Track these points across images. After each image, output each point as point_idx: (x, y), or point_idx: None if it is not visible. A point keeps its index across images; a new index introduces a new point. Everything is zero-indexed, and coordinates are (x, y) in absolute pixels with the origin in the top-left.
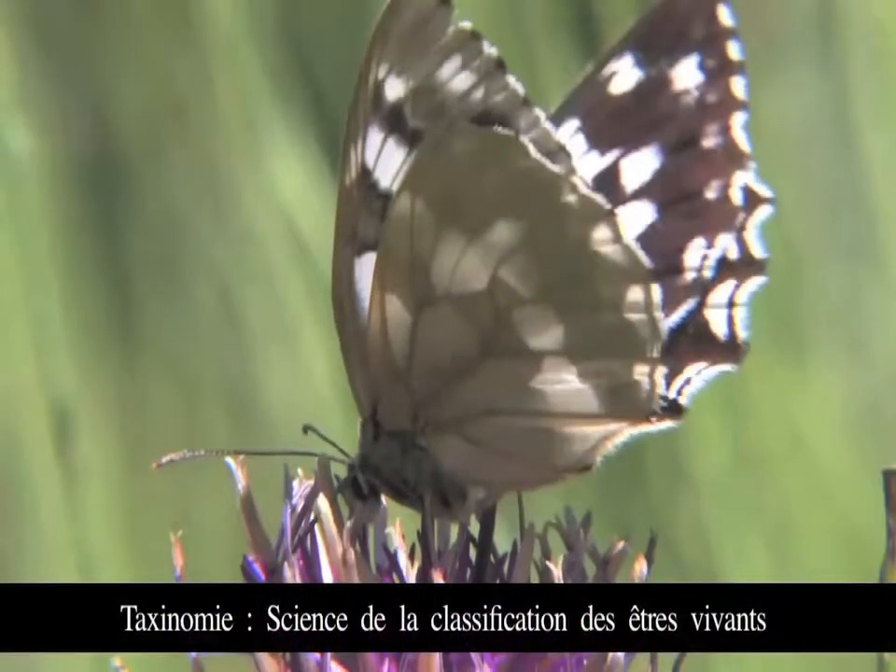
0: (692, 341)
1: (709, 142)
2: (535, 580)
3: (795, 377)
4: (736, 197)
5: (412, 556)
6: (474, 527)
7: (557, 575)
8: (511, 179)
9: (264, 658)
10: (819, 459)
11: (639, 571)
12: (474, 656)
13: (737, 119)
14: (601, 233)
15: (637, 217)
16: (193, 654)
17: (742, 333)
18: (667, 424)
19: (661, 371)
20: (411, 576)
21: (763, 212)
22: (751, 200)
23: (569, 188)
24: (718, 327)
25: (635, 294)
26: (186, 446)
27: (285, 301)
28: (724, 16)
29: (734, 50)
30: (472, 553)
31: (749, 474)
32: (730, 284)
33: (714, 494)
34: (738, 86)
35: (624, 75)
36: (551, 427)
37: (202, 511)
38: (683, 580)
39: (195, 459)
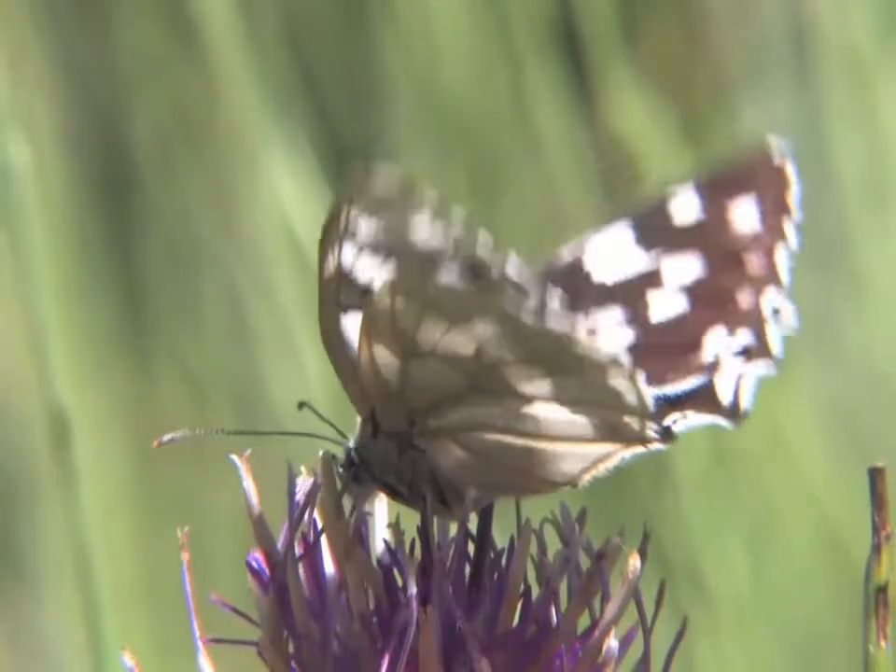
0: (696, 398)
1: (752, 260)
2: (531, 574)
3: (775, 379)
4: (766, 306)
5: (412, 551)
6: (472, 522)
7: (553, 569)
8: (488, 310)
9: (268, 649)
10: (799, 458)
11: (633, 566)
12: (472, 648)
13: (781, 248)
14: (581, 343)
15: (668, 305)
16: (199, 645)
17: (745, 404)
18: (657, 446)
19: (650, 424)
20: (411, 570)
21: (787, 325)
22: (778, 312)
23: (545, 325)
24: (723, 394)
25: (619, 383)
26: (192, 444)
27: (286, 305)
28: (790, 174)
29: (792, 202)
30: (470, 548)
31: (730, 473)
32: (741, 362)
33: (696, 492)
34: (788, 224)
35: (683, 202)
36: (542, 446)
37: (208, 507)
38: (666, 576)
39: (196, 438)
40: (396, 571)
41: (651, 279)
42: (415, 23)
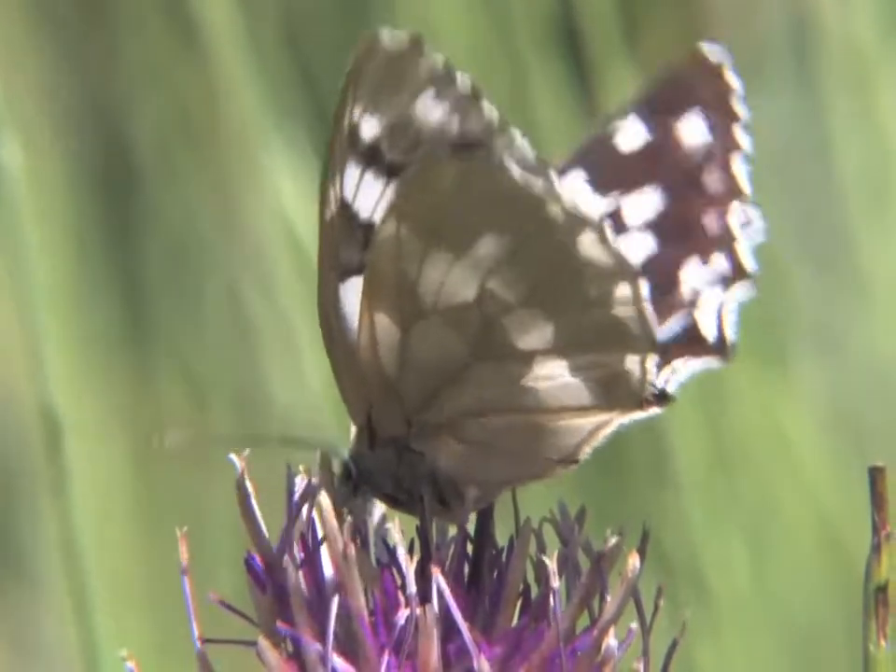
0: (682, 342)
1: (710, 178)
2: (530, 573)
3: (776, 379)
4: (733, 221)
5: (411, 551)
6: (471, 522)
7: (552, 569)
8: (495, 199)
9: (266, 649)
10: (800, 458)
11: (632, 565)
12: (471, 647)
13: (737, 159)
14: (587, 239)
15: (637, 247)
16: (198, 645)
17: (730, 335)
18: (654, 410)
19: (652, 358)
20: (410, 570)
21: (756, 234)
22: (746, 225)
23: (553, 200)
24: (707, 329)
25: (622, 290)
26: (192, 444)
27: (286, 306)
28: (730, 78)
29: (738, 106)
30: (469, 547)
31: (731, 473)
32: (720, 291)
33: (697, 492)
34: (740, 133)
35: (629, 131)
36: (542, 421)
37: (206, 507)
38: (667, 576)
39: (201, 442)
40: (395, 571)
41: (615, 223)
42: (416, 23)
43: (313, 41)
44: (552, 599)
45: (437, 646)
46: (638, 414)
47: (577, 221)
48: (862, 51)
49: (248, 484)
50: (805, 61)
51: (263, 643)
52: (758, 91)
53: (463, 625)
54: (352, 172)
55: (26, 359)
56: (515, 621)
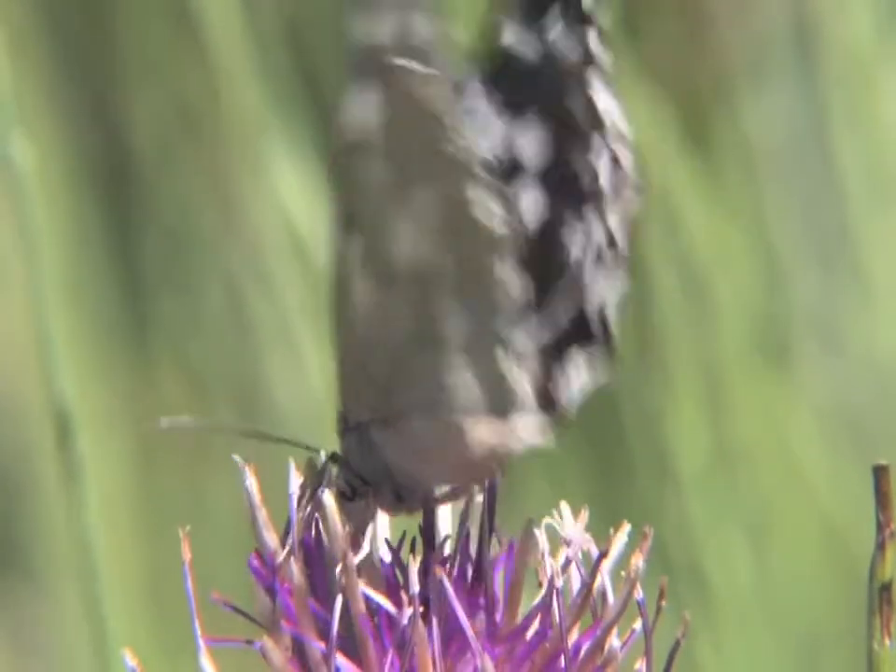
0: (571, 335)
1: (571, 103)
2: (533, 573)
3: (777, 378)
4: (604, 169)
5: (413, 550)
6: (473, 522)
7: (555, 569)
8: (414, 121)
9: (270, 649)
10: (800, 457)
11: (635, 566)
12: (474, 646)
13: (592, 74)
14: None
15: (532, 203)
16: (202, 645)
17: (614, 332)
18: (550, 438)
19: (530, 370)
20: (413, 569)
21: (632, 202)
22: (616, 175)
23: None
24: (594, 325)
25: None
26: (195, 443)
27: (287, 303)
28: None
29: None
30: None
31: (731, 472)
32: (603, 284)
33: (697, 491)
34: (593, 38)
35: (510, 34)
36: (455, 422)
37: (210, 505)
38: (668, 575)
39: (198, 429)
40: (398, 571)
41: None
42: None
43: (313, 40)
44: (554, 599)
45: (439, 646)
46: (535, 435)
47: (467, 163)
48: (862, 51)
49: (254, 486)
50: (805, 60)
51: (267, 643)
52: (758, 91)
53: (466, 625)
54: None
55: (35, 355)
56: (518, 621)
